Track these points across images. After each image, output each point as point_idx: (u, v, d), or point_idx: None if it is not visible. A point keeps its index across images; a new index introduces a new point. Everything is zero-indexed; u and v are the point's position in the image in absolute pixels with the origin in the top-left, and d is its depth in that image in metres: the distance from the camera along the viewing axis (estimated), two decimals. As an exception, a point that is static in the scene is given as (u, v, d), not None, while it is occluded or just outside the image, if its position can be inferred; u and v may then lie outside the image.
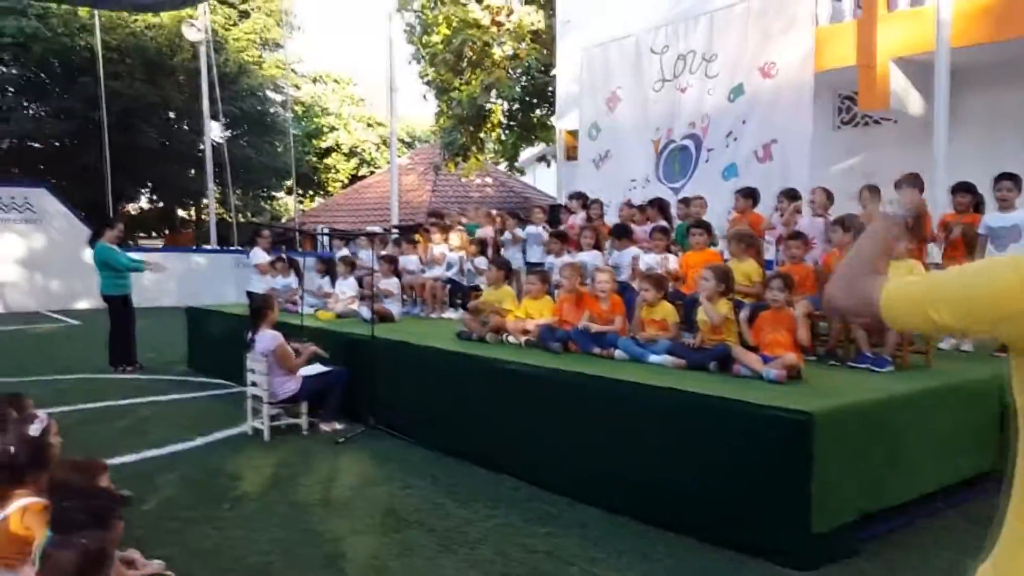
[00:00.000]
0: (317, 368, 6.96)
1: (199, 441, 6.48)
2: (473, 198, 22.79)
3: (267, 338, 6.59)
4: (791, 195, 7.68)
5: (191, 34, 19.51)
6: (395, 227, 12.71)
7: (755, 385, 4.96)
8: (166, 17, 23.15)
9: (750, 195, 8.11)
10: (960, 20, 8.04)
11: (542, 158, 21.69)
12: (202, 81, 19.21)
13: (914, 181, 6.97)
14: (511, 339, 6.64)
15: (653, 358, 5.68)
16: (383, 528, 4.57)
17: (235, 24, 25.91)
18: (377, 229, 17.14)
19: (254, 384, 6.73)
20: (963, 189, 6.76)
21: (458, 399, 6.14)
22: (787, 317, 5.38)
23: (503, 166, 22.43)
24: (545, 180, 24.87)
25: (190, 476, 5.56)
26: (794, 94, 9.08)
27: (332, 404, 6.85)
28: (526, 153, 22.57)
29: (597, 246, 8.12)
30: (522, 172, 23.13)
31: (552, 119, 19.62)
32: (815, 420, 4.10)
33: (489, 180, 24.03)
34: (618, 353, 5.89)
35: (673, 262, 7.31)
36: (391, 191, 14.10)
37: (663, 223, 8.04)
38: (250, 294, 10.55)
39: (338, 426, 6.81)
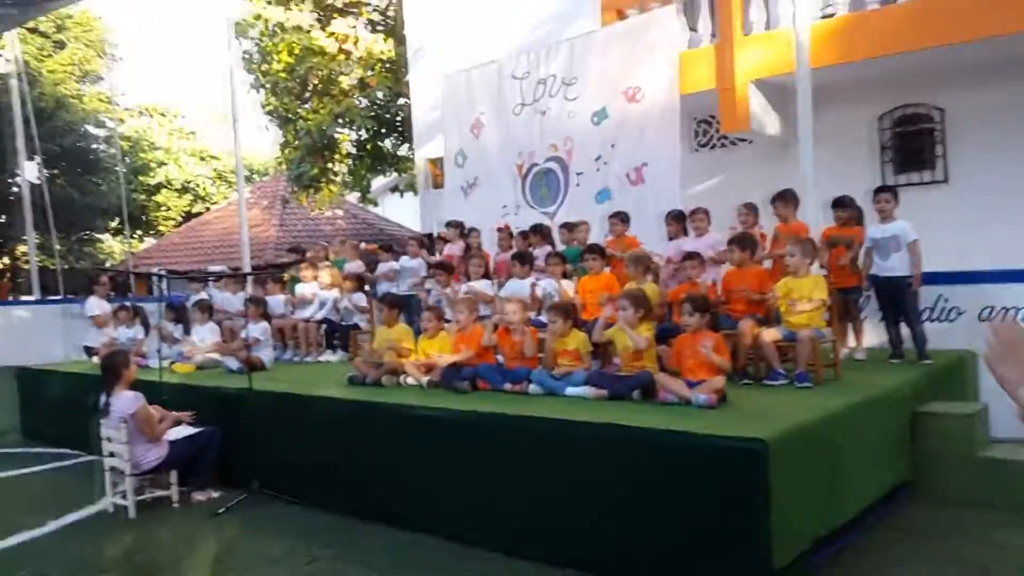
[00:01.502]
0: (184, 430, 6.11)
1: (52, 526, 5.49)
2: (324, 232, 21.84)
3: (126, 400, 5.70)
4: (678, 217, 7.64)
5: (-1, 65, 17.61)
6: (266, 265, 11.78)
7: (685, 412, 4.71)
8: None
9: (626, 219, 8.08)
10: (814, 42, 8.35)
11: (395, 188, 21.12)
12: (15, 117, 17.30)
13: (789, 196, 7.12)
14: (410, 380, 6.10)
15: (571, 390, 5.34)
16: (297, 616, 3.91)
17: (49, 55, 23.71)
18: (223, 268, 15.98)
19: (112, 455, 5.80)
20: (843, 204, 6.91)
21: (358, 452, 5.52)
22: (705, 339, 5.18)
23: (354, 198, 21.63)
24: (398, 211, 24.27)
25: (48, 572, 4.62)
26: (661, 118, 9.13)
27: (205, 469, 6.03)
28: (377, 183, 21.93)
29: (486, 275, 7.75)
30: (375, 203, 22.41)
31: (403, 148, 19.19)
32: (769, 447, 3.87)
33: (340, 212, 23.15)
34: (532, 388, 5.50)
35: (569, 288, 7.04)
36: (240, 226, 13.14)
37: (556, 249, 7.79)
38: (89, 349, 9.39)
39: (214, 494, 6.00)
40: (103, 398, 5.84)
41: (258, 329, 7.65)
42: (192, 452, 5.97)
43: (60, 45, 24.21)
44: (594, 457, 4.36)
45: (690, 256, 6.41)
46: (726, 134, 11.27)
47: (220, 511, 5.61)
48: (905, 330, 6.76)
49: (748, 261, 6.25)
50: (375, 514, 5.30)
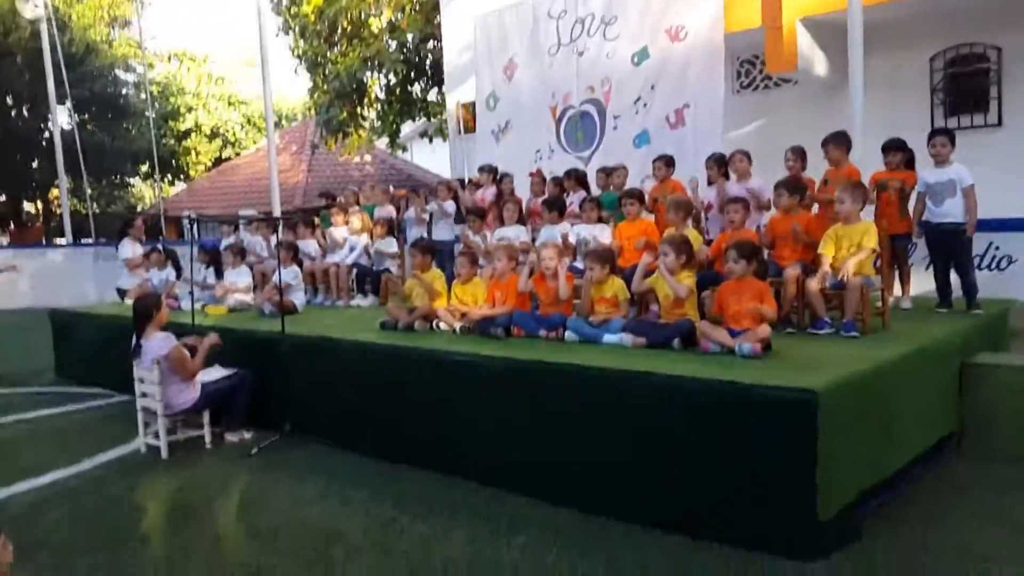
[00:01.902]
0: (217, 372, 6.08)
1: (85, 464, 5.51)
2: (353, 177, 21.71)
3: (157, 342, 5.65)
4: (720, 160, 7.37)
5: (28, 11, 17.40)
6: (297, 210, 11.69)
7: (729, 362, 4.55)
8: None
9: (671, 163, 7.79)
10: (867, -23, 7.92)
11: (424, 134, 20.84)
12: (45, 62, 17.19)
13: (842, 139, 6.82)
14: (442, 326, 5.98)
15: (608, 338, 5.18)
16: (330, 560, 3.85)
17: (79, 0, 23.51)
18: (254, 212, 15.93)
19: (144, 395, 5.78)
20: (895, 147, 6.60)
21: (391, 397, 5.44)
22: (751, 286, 4.99)
23: (383, 143, 21.38)
24: (427, 156, 24.03)
25: (81, 510, 4.63)
26: (705, 57, 8.78)
27: (238, 411, 6.01)
28: (406, 129, 21.67)
29: (520, 221, 7.57)
30: (404, 149, 22.17)
31: (433, 93, 18.85)
32: (819, 398, 3.70)
33: (368, 158, 22.96)
34: (568, 335, 5.36)
35: (607, 234, 6.84)
36: (270, 171, 12.98)
37: (592, 193, 7.57)
38: (122, 291, 9.41)
39: (247, 435, 5.99)
40: (135, 340, 5.80)
41: (289, 273, 7.57)
42: (225, 394, 5.93)
43: (88, -11, 24.02)
44: (634, 407, 4.23)
45: (733, 200, 6.15)
46: (770, 75, 10.88)
47: (252, 452, 5.60)
48: (954, 279, 6.52)
49: (796, 207, 6.00)
50: (408, 458, 5.25)
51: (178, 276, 9.15)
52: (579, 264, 6.65)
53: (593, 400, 4.40)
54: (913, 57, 9.62)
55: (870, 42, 7.75)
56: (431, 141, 20.42)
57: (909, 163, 6.64)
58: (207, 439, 5.84)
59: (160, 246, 9.70)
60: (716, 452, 3.94)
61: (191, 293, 7.28)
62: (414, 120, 20.41)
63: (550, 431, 4.57)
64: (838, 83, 9.72)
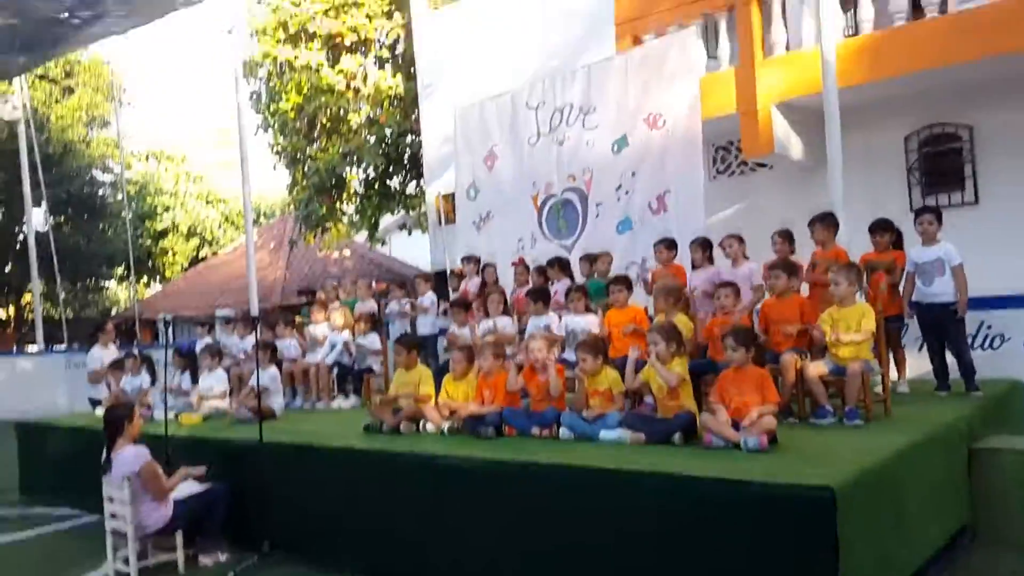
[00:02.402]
0: (190, 487, 5.71)
1: (47, 597, 5.09)
2: (332, 272, 21.56)
3: (129, 457, 5.33)
4: (704, 244, 7.29)
5: (6, 112, 17.47)
6: (276, 307, 11.48)
7: (735, 456, 4.32)
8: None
9: (673, 246, 7.63)
10: (840, 61, 8.06)
11: (403, 226, 20.85)
12: (22, 164, 17.15)
13: (829, 220, 6.78)
14: (430, 427, 5.71)
15: (605, 434, 4.95)
16: None
17: (58, 101, 23.70)
18: (231, 312, 15.66)
19: (113, 516, 5.41)
20: (882, 228, 6.55)
21: (378, 507, 5.12)
22: (752, 375, 4.80)
23: (361, 237, 21.36)
24: (406, 249, 23.99)
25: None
26: (684, 143, 8.82)
27: (213, 530, 5.62)
28: (385, 221, 21.70)
29: (506, 311, 7.40)
30: (383, 242, 22.15)
31: (411, 186, 18.93)
32: (836, 494, 3.47)
33: (347, 253, 22.89)
34: (563, 432, 5.11)
35: (595, 323, 6.67)
36: (248, 268, 12.83)
37: (576, 282, 7.43)
38: (94, 401, 9.05)
39: (222, 557, 5.58)
40: (105, 454, 5.47)
41: (267, 376, 7.28)
42: (199, 511, 5.56)
43: (69, 91, 24.23)
44: (639, 509, 3.97)
45: (724, 285, 6.02)
46: (745, 160, 10.99)
47: (230, 575, 5.21)
48: (950, 360, 6.38)
49: (790, 290, 5.88)
50: (399, 574, 4.90)
51: (153, 383, 8.80)
52: (568, 355, 6.44)
53: (595, 504, 4.13)
54: (888, 137, 9.76)
55: (845, 124, 7.84)
56: (410, 233, 20.41)
57: (897, 243, 6.58)
58: (180, 563, 5.44)
59: (136, 351, 9.38)
60: (729, 557, 3.67)
61: (164, 402, 6.95)
62: (393, 213, 20.46)
63: (550, 537, 4.28)
64: (813, 165, 9.83)
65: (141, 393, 8.38)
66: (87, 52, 24.61)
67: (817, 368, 5.29)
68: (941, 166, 9.58)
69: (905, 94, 9.12)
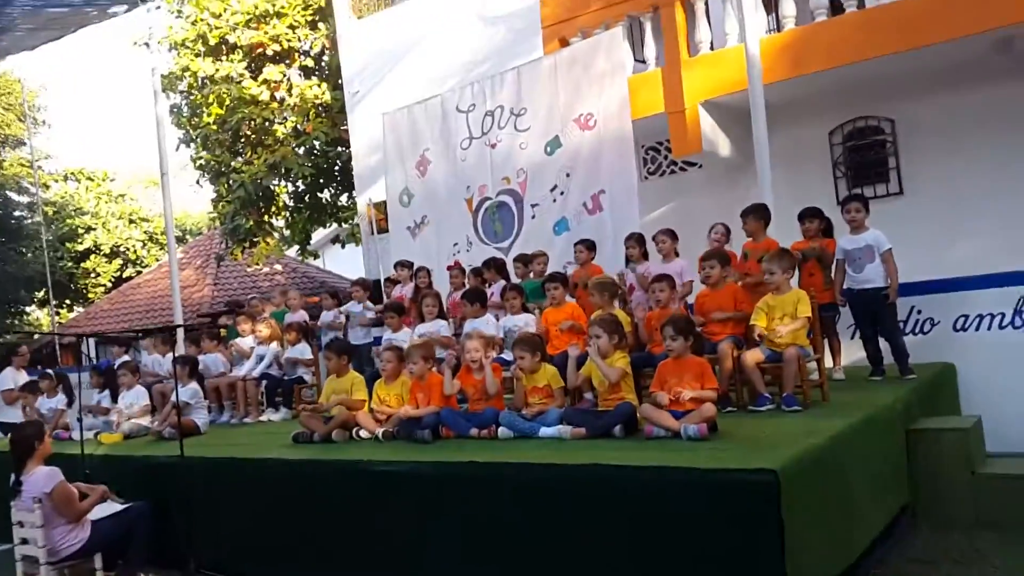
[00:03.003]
0: (109, 507, 5.38)
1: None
2: (263, 288, 20.99)
3: (40, 478, 4.98)
4: (640, 240, 7.26)
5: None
6: (199, 320, 11.05)
7: (676, 446, 4.24)
8: None
9: (593, 247, 7.67)
10: (764, 57, 8.13)
11: (335, 239, 20.45)
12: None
13: (761, 212, 6.81)
14: (363, 434, 5.49)
15: (545, 431, 4.81)
16: None
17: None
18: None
19: (25, 541, 5.04)
20: (810, 215, 6.60)
21: (310, 520, 4.88)
22: (691, 365, 4.73)
23: (294, 252, 20.87)
24: (340, 262, 23.57)
25: None
26: (615, 143, 8.81)
27: (136, 552, 5.30)
28: (317, 236, 21.27)
29: (441, 315, 7.22)
30: (315, 255, 21.68)
31: (343, 198, 18.58)
32: (779, 477, 3.40)
33: (279, 267, 22.34)
34: (502, 431, 4.95)
35: (532, 323, 6.54)
36: (172, 286, 12.34)
37: (513, 282, 7.31)
38: (6, 425, 8.51)
39: (147, 579, 5.26)
40: (14, 477, 5.10)
41: (188, 392, 6.94)
42: (119, 532, 5.24)
43: (-24, 109, 23.20)
44: (582, 504, 3.84)
45: (658, 279, 5.96)
46: (676, 160, 11.04)
47: (152, 598, 4.91)
48: (884, 346, 6.45)
49: (724, 280, 5.86)
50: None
51: (70, 404, 8.36)
52: (506, 356, 6.29)
53: (537, 502, 4.00)
54: (813, 132, 9.90)
55: (771, 121, 7.89)
56: (343, 246, 20.03)
57: (827, 231, 6.63)
58: (99, 586, 5.10)
59: (51, 371, 8.88)
60: (676, 546, 3.57)
61: (80, 420, 6.55)
62: (325, 226, 20.05)
63: (491, 541, 4.12)
64: (742, 163, 9.90)
65: (57, 414, 7.95)
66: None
67: (754, 355, 5.26)
68: (866, 159, 9.76)
69: (828, 89, 9.26)
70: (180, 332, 9.79)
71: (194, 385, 7.19)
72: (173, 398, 6.44)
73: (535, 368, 5.15)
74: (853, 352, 6.89)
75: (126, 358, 8.81)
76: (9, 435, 5.31)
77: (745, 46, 7.96)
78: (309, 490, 4.93)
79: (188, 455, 5.43)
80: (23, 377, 8.94)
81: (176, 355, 6.98)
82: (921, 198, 9.34)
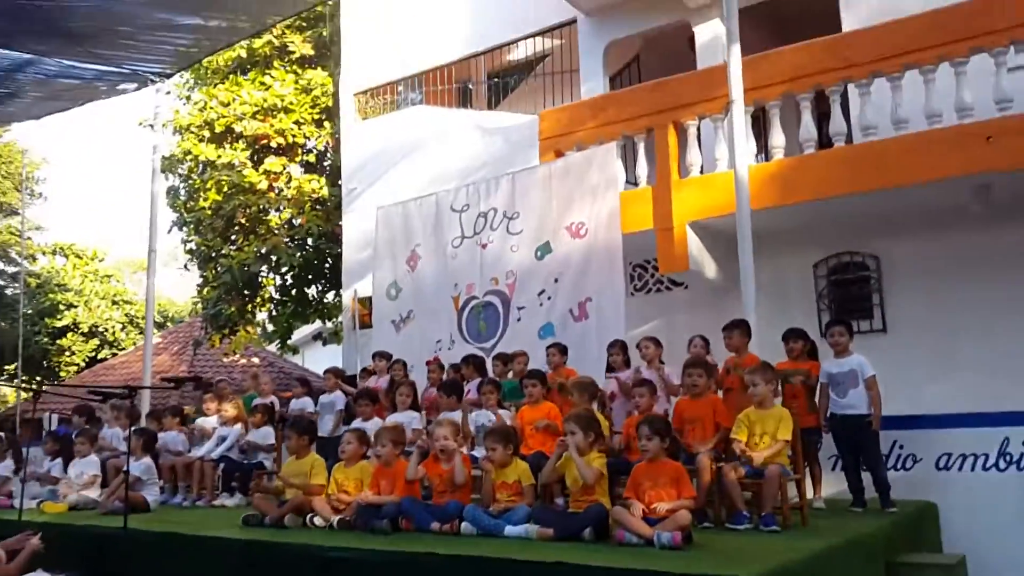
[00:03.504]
0: (40, 577, 5.01)
1: None
2: (237, 380, 20.62)
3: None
4: (623, 347, 7.18)
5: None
6: (163, 379, 10.73)
7: (647, 554, 4.01)
8: None
9: (565, 351, 7.66)
10: (752, 183, 8.29)
11: (318, 336, 20.29)
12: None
13: (745, 328, 6.77)
14: (318, 520, 5.20)
15: (511, 529, 4.57)
16: None
17: (-43, 185, 22.79)
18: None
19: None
20: (795, 335, 6.58)
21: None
22: (667, 468, 4.55)
23: (274, 347, 20.62)
24: (320, 360, 23.26)
25: None
26: (605, 252, 8.89)
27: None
28: (299, 334, 21.09)
29: (415, 406, 7.02)
30: (295, 351, 21.42)
31: (329, 296, 18.56)
32: (754, 589, 3.19)
33: (256, 360, 21.99)
34: (465, 527, 4.70)
35: (507, 419, 6.35)
36: (144, 367, 12.04)
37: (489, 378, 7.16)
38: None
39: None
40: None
41: (140, 466, 6.64)
42: (44, 607, 4.85)
43: (-26, 175, 23.35)
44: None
45: (640, 383, 5.85)
46: (662, 279, 11.10)
47: None
48: (865, 478, 6.27)
49: (708, 389, 5.75)
50: None
51: (16, 471, 7.96)
52: (477, 453, 6.07)
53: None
54: (798, 263, 9.97)
55: (757, 249, 7.94)
56: (325, 344, 19.86)
57: (812, 354, 6.58)
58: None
59: (1, 434, 8.51)
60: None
61: (22, 484, 6.21)
62: (309, 322, 19.92)
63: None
64: (727, 286, 9.93)
65: (1, 480, 7.55)
66: (0, 139, 23.94)
67: (736, 470, 5.07)
68: (850, 294, 9.80)
69: (814, 222, 9.41)
70: (144, 408, 9.48)
71: (148, 460, 6.89)
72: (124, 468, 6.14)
73: (506, 462, 4.96)
74: (834, 484, 6.71)
75: (85, 426, 8.46)
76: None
77: (735, 171, 8.14)
78: (257, 573, 4.60)
79: (132, 528, 5.11)
80: (-26, 439, 8.54)
81: (134, 427, 6.69)
82: (905, 336, 9.33)
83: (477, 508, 4.79)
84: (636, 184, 10.30)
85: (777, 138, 9.15)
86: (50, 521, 6.08)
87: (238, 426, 7.88)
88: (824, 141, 9.13)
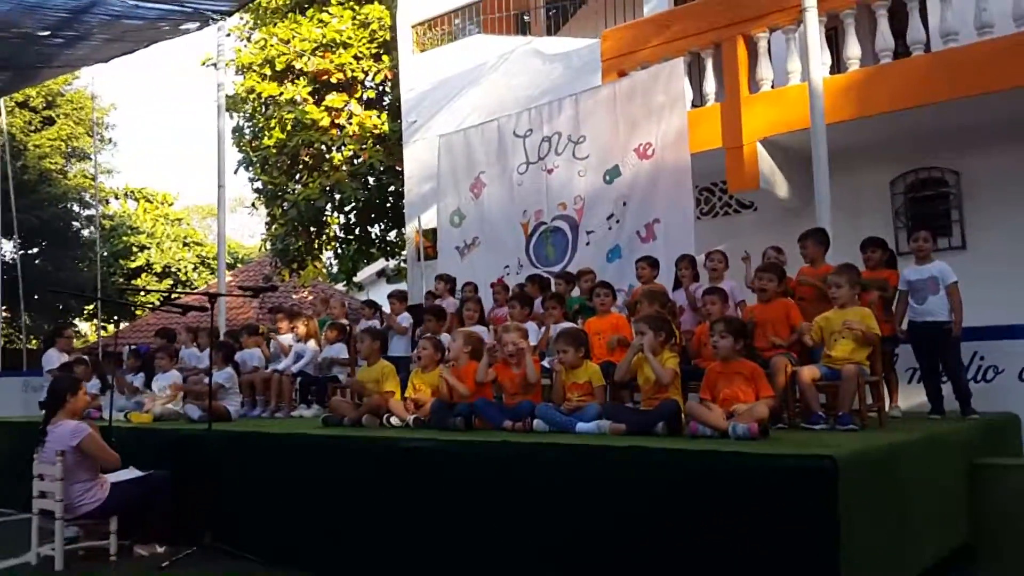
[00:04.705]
0: (131, 472, 5.26)
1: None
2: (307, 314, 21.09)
3: (67, 430, 4.90)
4: (692, 261, 7.08)
5: (-19, 135, 17.14)
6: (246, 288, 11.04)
7: (723, 444, 3.97)
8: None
9: (656, 264, 7.40)
10: (827, 97, 8.00)
11: (381, 272, 20.56)
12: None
13: (821, 237, 6.58)
14: (394, 420, 5.32)
15: (583, 426, 4.58)
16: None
17: (36, 130, 23.47)
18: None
19: (43, 495, 4.93)
20: (873, 244, 6.37)
21: (333, 500, 4.69)
22: (743, 367, 4.51)
23: (340, 285, 21.02)
24: (385, 298, 23.67)
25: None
26: (674, 172, 8.70)
27: (152, 519, 5.17)
28: (363, 272, 21.39)
29: (482, 321, 7.08)
30: (360, 288, 21.79)
31: (392, 234, 18.75)
32: (839, 466, 3.15)
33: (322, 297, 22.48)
34: (537, 423, 4.74)
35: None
36: (219, 281, 12.47)
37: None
38: (43, 404, 8.52)
39: (159, 548, 5.11)
40: (41, 426, 5.04)
41: (223, 375, 6.88)
42: (138, 498, 5.12)
43: (49, 121, 24.00)
44: (624, 491, 3.61)
45: (710, 291, 5.77)
46: (729, 201, 10.90)
47: (163, 565, 4.74)
48: (945, 389, 6.11)
49: (776, 295, 5.64)
50: (351, 572, 4.44)
51: (103, 390, 8.34)
52: (545, 364, 6.10)
53: (577, 486, 3.76)
54: (874, 179, 9.68)
55: (831, 165, 7.72)
56: (389, 280, 20.11)
57: (890, 262, 6.39)
58: (112, 550, 4.96)
59: (86, 357, 8.91)
60: (723, 535, 3.31)
61: (110, 400, 6.50)
62: (373, 260, 20.18)
63: (523, 529, 3.89)
64: (798, 207, 9.72)
65: (91, 396, 7.90)
66: (71, 85, 24.53)
67: (811, 371, 5.00)
68: (928, 210, 9.49)
69: (891, 136, 9.08)
70: (221, 327, 9.79)
71: (230, 370, 7.13)
72: (206, 381, 6.36)
73: (577, 363, 4.97)
74: (911, 396, 6.57)
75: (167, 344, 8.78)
76: (49, 383, 5.26)
77: (809, 83, 7.86)
78: (334, 469, 4.75)
79: (216, 429, 5.32)
80: (65, 359, 8.96)
81: (215, 340, 6.93)
82: (985, 254, 9.01)
83: (549, 406, 4.84)
84: (702, 105, 10.06)
85: (852, 49, 8.80)
86: (137, 427, 6.37)
87: (312, 342, 8.09)
88: (900, 50, 8.76)
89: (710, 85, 9.88)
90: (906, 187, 9.70)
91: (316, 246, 17.84)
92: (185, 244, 29.75)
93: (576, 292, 7.66)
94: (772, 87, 9.37)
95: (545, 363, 6.13)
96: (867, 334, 5.01)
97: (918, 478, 4.06)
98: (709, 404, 4.41)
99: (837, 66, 9.09)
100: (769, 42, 9.45)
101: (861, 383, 4.96)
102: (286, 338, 8.20)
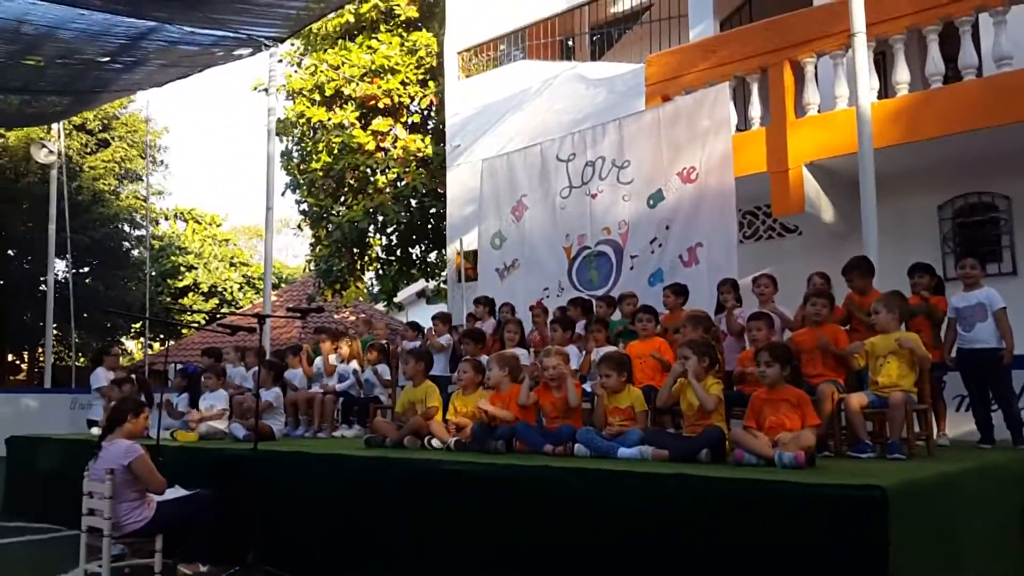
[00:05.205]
0: (176, 491, 5.34)
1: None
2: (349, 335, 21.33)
3: (119, 448, 4.97)
4: (735, 285, 7.02)
5: (41, 156, 17.70)
6: (293, 309, 11.25)
7: (769, 473, 3.92)
8: (12, 137, 21.26)
9: (682, 291, 7.42)
10: (875, 122, 7.91)
11: (421, 293, 20.75)
12: (51, 209, 17.24)
13: (865, 267, 6.48)
14: (435, 442, 5.35)
15: (624, 451, 4.57)
16: None
17: (91, 152, 24.22)
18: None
19: (92, 512, 5.04)
20: (921, 269, 6.27)
21: (375, 521, 4.72)
22: (789, 395, 4.45)
23: (380, 305, 21.25)
24: (424, 318, 23.80)
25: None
26: (717, 196, 8.67)
27: (196, 538, 5.20)
28: (404, 292, 21.59)
29: (522, 344, 7.09)
30: (401, 308, 22.00)
31: (432, 255, 18.95)
32: (888, 496, 3.09)
33: (364, 316, 22.74)
34: (578, 448, 4.73)
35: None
36: (264, 302, 12.68)
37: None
38: (92, 422, 8.75)
39: (203, 568, 5.15)
40: (97, 441, 5.17)
41: (271, 394, 6.98)
42: (183, 517, 5.17)
43: (104, 143, 24.75)
44: (665, 518, 3.58)
45: (755, 317, 5.72)
46: (773, 225, 10.80)
47: (208, 584, 4.80)
48: (995, 416, 5.96)
49: (828, 319, 5.58)
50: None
51: (150, 406, 8.50)
52: (586, 388, 6.09)
53: (619, 512, 3.74)
54: (922, 204, 9.53)
55: (878, 189, 7.63)
56: (428, 302, 20.29)
57: (938, 288, 6.27)
58: (157, 568, 5.02)
59: (132, 375, 9.11)
60: (767, 570, 3.27)
61: (159, 413, 6.63)
62: (413, 281, 20.38)
63: (562, 553, 3.87)
64: (844, 231, 9.60)
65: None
66: (126, 109, 25.26)
67: (859, 399, 4.92)
68: (977, 236, 9.31)
69: (940, 161, 8.94)
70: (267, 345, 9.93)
71: (277, 390, 7.24)
72: (250, 400, 6.47)
73: (619, 388, 4.95)
74: (959, 424, 6.43)
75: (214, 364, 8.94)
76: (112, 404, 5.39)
77: (857, 108, 7.80)
78: (377, 490, 4.79)
79: (261, 448, 5.40)
80: (112, 377, 9.17)
81: (263, 360, 7.04)
82: (1037, 281, 8.82)
83: (590, 430, 4.82)
84: (747, 129, 10.01)
85: (901, 73, 8.72)
86: (183, 445, 6.48)
87: (354, 362, 8.18)
88: (950, 75, 8.65)
89: (755, 109, 9.84)
90: (954, 212, 9.53)
91: (359, 267, 18.09)
92: (232, 264, 30.32)
93: (617, 315, 7.65)
94: (819, 111, 9.30)
95: (586, 387, 6.13)
96: (916, 352, 4.92)
97: (969, 509, 3.96)
98: (754, 432, 4.36)
99: (885, 91, 9.01)
100: (816, 67, 9.40)
101: (909, 411, 4.86)
102: (331, 358, 8.29)
